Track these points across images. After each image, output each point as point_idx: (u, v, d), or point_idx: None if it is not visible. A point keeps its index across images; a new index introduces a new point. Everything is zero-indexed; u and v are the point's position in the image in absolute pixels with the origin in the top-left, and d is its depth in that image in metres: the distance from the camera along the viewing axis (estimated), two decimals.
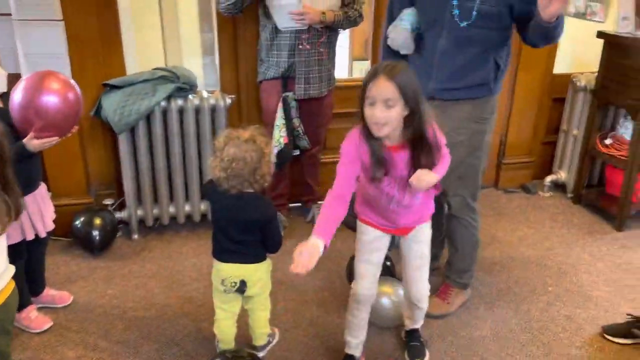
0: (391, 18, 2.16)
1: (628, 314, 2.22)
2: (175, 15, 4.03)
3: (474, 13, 1.93)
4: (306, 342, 2.15)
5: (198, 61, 4.07)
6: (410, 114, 1.57)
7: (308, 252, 1.52)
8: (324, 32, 2.60)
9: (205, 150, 2.76)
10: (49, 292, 2.31)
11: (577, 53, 3.68)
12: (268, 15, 2.54)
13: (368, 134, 1.61)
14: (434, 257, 2.56)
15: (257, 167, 1.77)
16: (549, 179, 3.50)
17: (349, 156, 1.66)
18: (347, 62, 4.60)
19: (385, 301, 2.16)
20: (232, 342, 2.01)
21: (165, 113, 2.67)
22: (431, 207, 1.87)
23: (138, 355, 2.06)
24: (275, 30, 2.55)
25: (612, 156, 3.07)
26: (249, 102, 2.95)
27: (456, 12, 1.95)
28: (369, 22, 3.05)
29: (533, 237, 2.98)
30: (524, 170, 3.53)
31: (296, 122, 2.69)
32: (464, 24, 1.96)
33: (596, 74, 3.13)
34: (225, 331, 1.98)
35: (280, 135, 2.65)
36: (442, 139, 1.70)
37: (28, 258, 2.08)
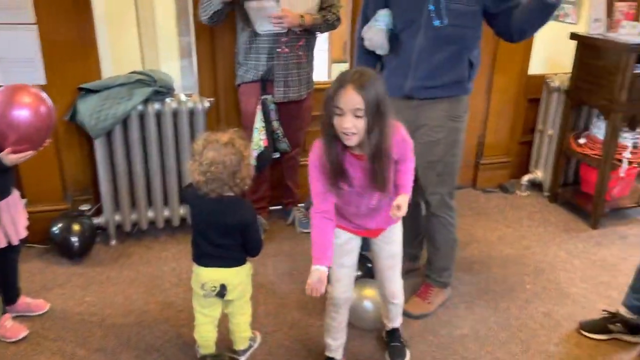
0: (365, 19, 2.18)
1: (604, 310, 2.26)
2: (153, 18, 3.99)
3: (450, 12, 1.97)
4: (287, 345, 2.15)
5: (176, 64, 4.03)
6: (373, 124, 1.54)
7: (317, 279, 1.64)
8: (303, 36, 2.61)
9: (184, 154, 2.74)
10: (24, 300, 2.27)
11: (551, 54, 3.75)
12: (246, 18, 2.53)
13: (330, 142, 1.60)
14: (414, 258, 2.60)
15: (236, 171, 1.76)
16: (525, 178, 3.55)
17: (317, 170, 1.66)
18: (326, 64, 4.62)
19: (366, 304, 2.17)
20: (213, 347, 1.99)
21: (142, 117, 2.64)
22: None
23: None
24: (254, 34, 2.54)
25: (586, 155, 3.13)
26: (228, 105, 2.94)
27: (432, 10, 1.98)
28: (347, 24, 3.06)
29: (511, 236, 3.02)
30: (502, 170, 3.58)
31: (275, 124, 2.68)
32: (441, 23, 1.99)
33: (569, 74, 3.19)
34: (205, 336, 1.97)
35: (260, 138, 2.64)
36: (409, 149, 1.71)
37: (1, 266, 2.04)
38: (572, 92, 3.16)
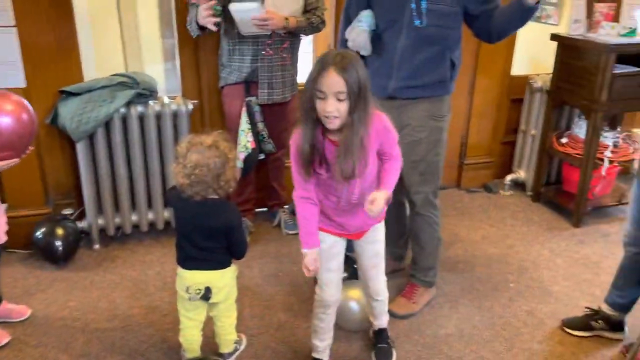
0: (348, 20, 2.19)
1: (586, 307, 2.29)
2: (136, 20, 3.96)
3: (432, 13, 2.00)
4: (274, 347, 2.15)
5: (159, 67, 4.00)
6: (355, 106, 1.52)
7: (311, 260, 1.71)
8: (287, 38, 2.61)
9: (168, 156, 2.72)
10: (5, 306, 2.23)
11: (534, 55, 3.79)
12: (230, 20, 2.53)
13: (310, 126, 1.58)
14: (399, 257, 2.61)
15: (220, 173, 1.75)
16: (509, 178, 3.59)
17: (298, 154, 1.65)
18: (310, 66, 4.61)
19: (352, 305, 2.17)
20: (198, 350, 1.98)
21: (125, 120, 2.62)
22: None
23: None
24: (238, 36, 2.54)
25: (568, 154, 3.17)
26: (212, 108, 2.93)
27: (414, 11, 2.00)
28: (331, 27, 3.07)
29: (495, 235, 3.05)
30: (485, 170, 3.61)
31: (260, 126, 2.68)
32: (423, 23, 2.01)
33: (551, 75, 3.22)
34: (190, 340, 1.96)
35: (247, 140, 2.64)
36: (392, 139, 1.69)
37: None
38: (554, 92, 3.19)
